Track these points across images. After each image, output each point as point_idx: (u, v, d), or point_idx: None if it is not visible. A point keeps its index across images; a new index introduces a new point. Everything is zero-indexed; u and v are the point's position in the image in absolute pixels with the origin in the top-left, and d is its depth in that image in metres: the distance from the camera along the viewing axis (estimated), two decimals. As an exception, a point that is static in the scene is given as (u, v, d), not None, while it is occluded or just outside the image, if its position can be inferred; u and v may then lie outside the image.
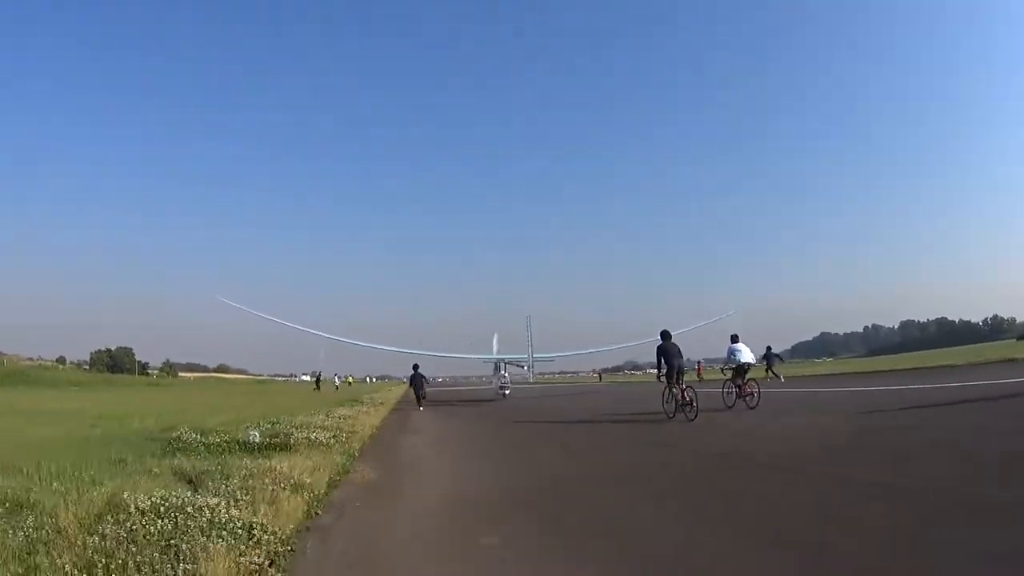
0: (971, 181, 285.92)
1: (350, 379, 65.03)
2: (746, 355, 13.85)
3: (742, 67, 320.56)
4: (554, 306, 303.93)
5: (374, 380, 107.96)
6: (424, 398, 21.61)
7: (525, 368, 44.62)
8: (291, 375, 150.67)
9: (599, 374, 68.63)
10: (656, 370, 13.11)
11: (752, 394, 13.30)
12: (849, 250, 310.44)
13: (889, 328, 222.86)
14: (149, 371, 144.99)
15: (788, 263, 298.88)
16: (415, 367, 22.32)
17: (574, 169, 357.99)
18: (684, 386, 12.10)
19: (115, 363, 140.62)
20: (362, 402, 22.65)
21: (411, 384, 22.17)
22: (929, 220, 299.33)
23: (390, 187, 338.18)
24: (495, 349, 34.40)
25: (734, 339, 13.86)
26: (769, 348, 26.03)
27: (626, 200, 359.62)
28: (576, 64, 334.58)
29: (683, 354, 13.06)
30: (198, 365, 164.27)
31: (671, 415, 12.07)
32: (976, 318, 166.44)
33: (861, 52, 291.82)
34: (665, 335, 12.90)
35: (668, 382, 12.40)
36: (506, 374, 28.52)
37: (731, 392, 13.90)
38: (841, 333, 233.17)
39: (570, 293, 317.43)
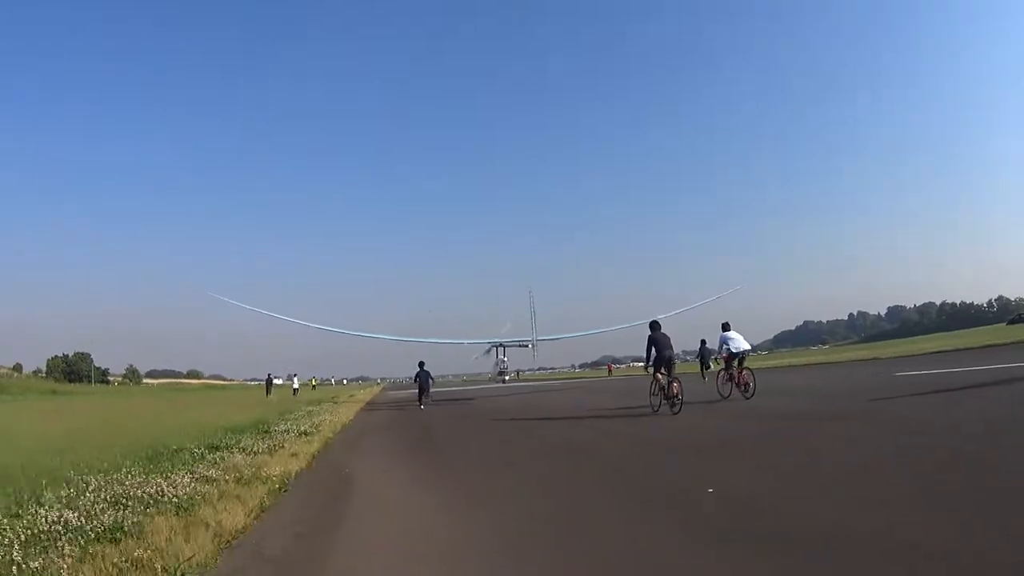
0: (951, 169, 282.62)
1: (314, 382, 54.73)
2: (740, 343, 12.90)
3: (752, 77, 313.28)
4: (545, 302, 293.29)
5: (344, 382, 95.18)
6: (428, 396, 20.61)
7: (530, 347, 38.85)
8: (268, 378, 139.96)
9: (609, 368, 58.22)
10: (645, 361, 12.06)
11: (748, 384, 12.53)
12: (827, 239, 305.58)
13: (875, 315, 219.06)
14: (110, 378, 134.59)
15: (765, 253, 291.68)
16: (421, 364, 20.93)
17: (550, 168, 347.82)
18: (672, 378, 11.14)
19: (72, 369, 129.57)
20: (269, 430, 11.51)
21: (416, 380, 21.10)
22: (908, 205, 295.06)
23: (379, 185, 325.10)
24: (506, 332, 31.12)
25: (725, 327, 13.13)
26: (703, 342, 22.59)
27: (602, 202, 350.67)
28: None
29: (673, 345, 11.89)
30: (173, 371, 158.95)
31: (656, 408, 11.36)
32: (978, 300, 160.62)
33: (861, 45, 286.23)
34: (654, 325, 11.94)
35: (656, 373, 11.51)
36: (505, 359, 25.77)
37: (726, 383, 13.14)
38: (824, 321, 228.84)
39: (558, 289, 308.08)
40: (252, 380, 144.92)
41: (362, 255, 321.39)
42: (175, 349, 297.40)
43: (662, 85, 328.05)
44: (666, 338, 11.68)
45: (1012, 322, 75.25)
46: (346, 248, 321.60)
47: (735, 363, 12.75)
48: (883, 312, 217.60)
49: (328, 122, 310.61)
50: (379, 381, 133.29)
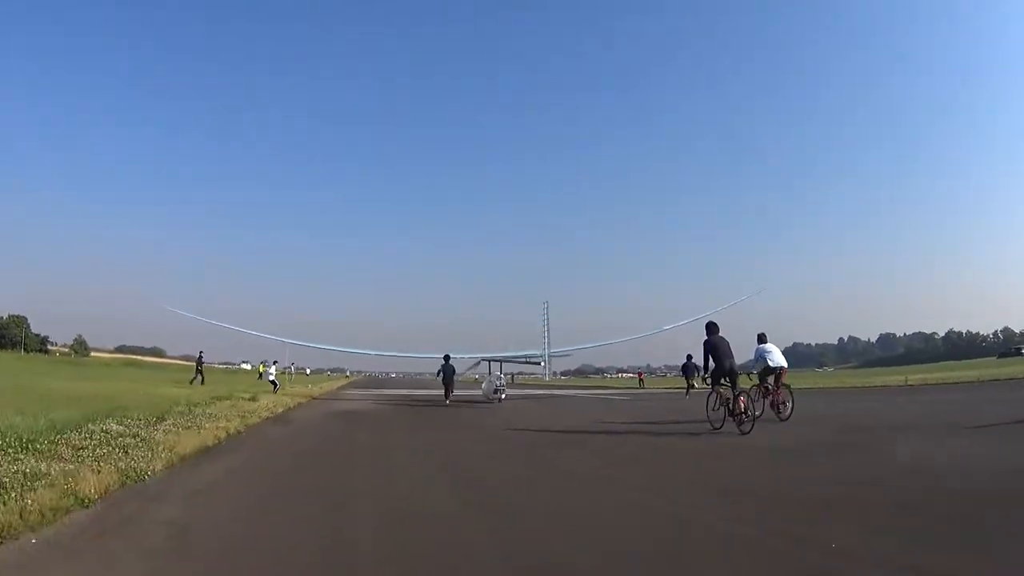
0: (950, 192, 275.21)
1: (261, 368, 39.62)
2: (778, 358, 11.21)
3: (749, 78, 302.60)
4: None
5: (307, 372, 74.39)
6: (451, 392, 19.54)
7: (541, 366, 38.93)
8: (240, 363, 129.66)
9: (640, 376, 43.24)
10: (703, 371, 10.38)
11: (784, 403, 10.82)
12: (816, 259, 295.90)
13: (866, 341, 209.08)
14: (51, 347, 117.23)
15: (753, 269, 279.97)
16: (446, 358, 19.83)
17: (549, 170, 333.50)
18: (738, 391, 9.43)
19: (3, 334, 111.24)
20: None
21: (439, 376, 19.99)
22: (902, 230, 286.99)
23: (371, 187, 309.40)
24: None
25: (761, 339, 11.45)
26: (689, 357, 21.18)
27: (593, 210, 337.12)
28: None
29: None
30: (141, 348, 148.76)
31: (717, 426, 9.59)
32: (983, 330, 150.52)
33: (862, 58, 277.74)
34: (712, 327, 9.93)
35: (715, 385, 9.88)
36: (501, 375, 21.51)
37: (758, 400, 10.87)
38: (813, 344, 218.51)
39: (558, 296, 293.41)
40: (227, 364, 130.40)
41: (362, 256, 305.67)
42: (159, 328, 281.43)
43: (664, 85, 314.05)
44: (726, 343, 9.89)
45: (1003, 355, 71.78)
46: (345, 248, 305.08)
47: (771, 379, 11.09)
48: (873, 339, 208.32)
49: (326, 121, 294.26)
50: (348, 374, 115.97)
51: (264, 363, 38.54)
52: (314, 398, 24.34)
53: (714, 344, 9.80)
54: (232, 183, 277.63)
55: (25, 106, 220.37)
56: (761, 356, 11.30)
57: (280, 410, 13.51)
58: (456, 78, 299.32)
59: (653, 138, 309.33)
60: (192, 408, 11.36)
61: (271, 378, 26.79)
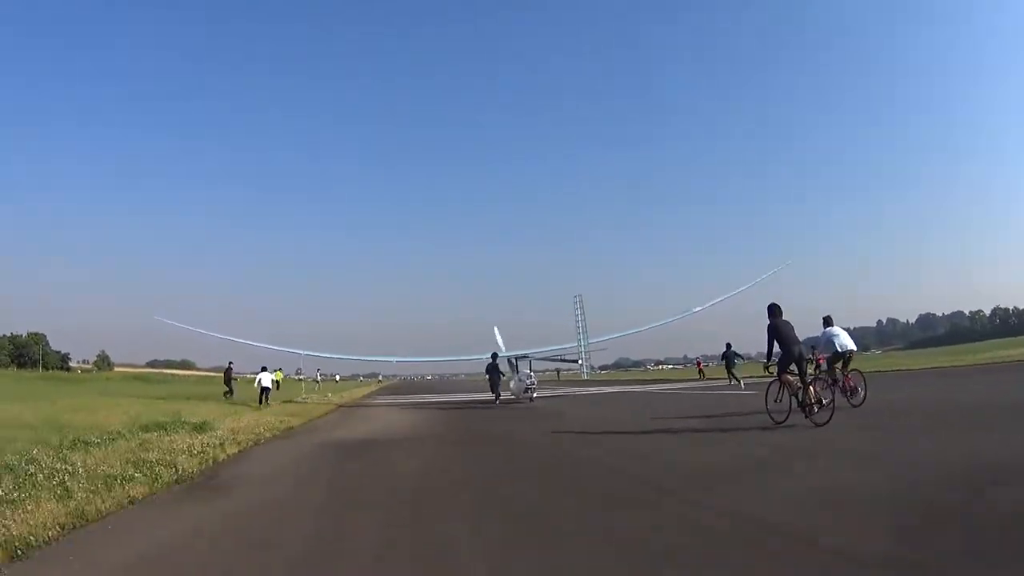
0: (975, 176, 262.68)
1: (279, 376, 34.32)
2: (847, 341, 10.34)
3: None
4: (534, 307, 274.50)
5: (337, 379, 68.37)
6: (498, 394, 19.08)
7: (579, 364, 34.42)
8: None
9: (700, 366, 37.17)
10: (766, 358, 8.90)
11: (856, 388, 10.17)
12: (852, 242, 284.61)
13: (905, 323, 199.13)
14: (71, 364, 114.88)
15: (787, 251, 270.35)
16: (493, 356, 19.96)
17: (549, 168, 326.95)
18: (811, 379, 8.51)
19: (21, 352, 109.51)
20: None
21: (487, 375, 19.95)
22: (935, 213, 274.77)
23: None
24: (499, 343, 25.53)
25: (828, 321, 10.72)
26: (729, 346, 21.94)
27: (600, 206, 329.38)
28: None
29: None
30: (170, 362, 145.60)
31: (781, 420, 8.48)
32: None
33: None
34: (775, 310, 8.86)
35: (780, 374, 8.68)
36: (531, 373, 20.27)
37: (828, 387, 9.55)
38: (852, 327, 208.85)
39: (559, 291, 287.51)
40: (253, 373, 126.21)
41: (363, 256, 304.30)
42: (194, 344, 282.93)
43: (672, 88, 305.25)
44: (790, 327, 8.82)
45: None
46: (345, 248, 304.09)
47: (840, 364, 10.39)
48: (912, 320, 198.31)
49: (326, 121, 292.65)
50: (381, 379, 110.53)
51: (279, 371, 33.51)
52: (339, 406, 21.79)
53: (778, 328, 8.77)
54: (231, 183, 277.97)
55: (25, 107, 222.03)
56: (829, 340, 10.54)
57: (233, 450, 8.03)
58: (456, 78, 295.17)
59: (656, 138, 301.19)
60: (56, 453, 6.31)
61: (264, 385, 22.00)
